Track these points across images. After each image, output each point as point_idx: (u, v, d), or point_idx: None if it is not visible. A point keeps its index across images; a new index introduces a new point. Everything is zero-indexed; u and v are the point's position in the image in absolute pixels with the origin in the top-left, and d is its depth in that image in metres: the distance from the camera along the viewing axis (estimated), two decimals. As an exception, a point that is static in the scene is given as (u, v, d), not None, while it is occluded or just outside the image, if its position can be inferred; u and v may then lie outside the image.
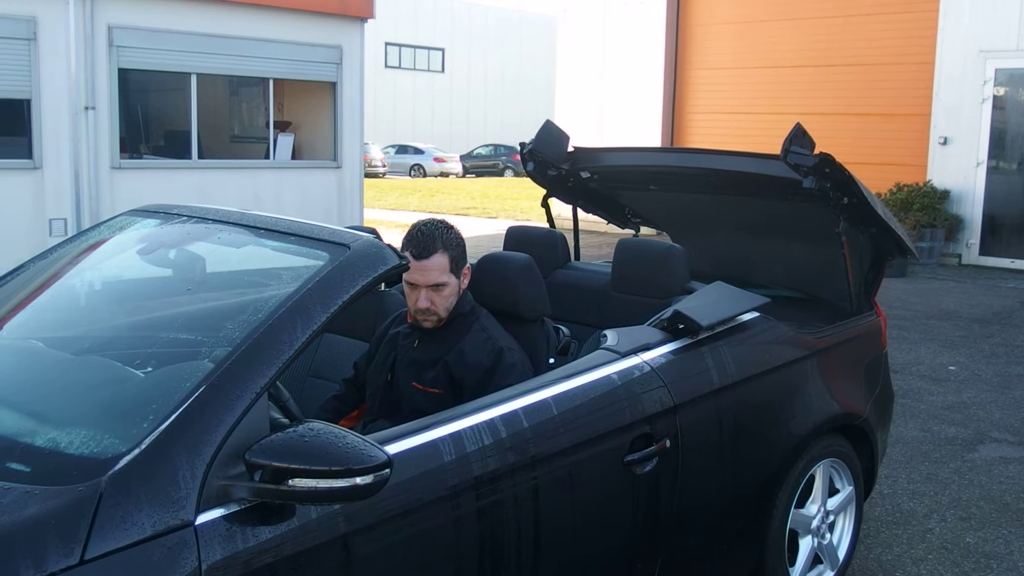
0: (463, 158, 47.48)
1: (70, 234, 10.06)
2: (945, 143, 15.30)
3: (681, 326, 3.61)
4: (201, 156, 12.11)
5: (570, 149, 5.42)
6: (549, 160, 5.31)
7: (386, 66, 53.26)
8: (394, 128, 52.17)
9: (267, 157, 12.86)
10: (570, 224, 5.76)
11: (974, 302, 12.10)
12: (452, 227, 3.60)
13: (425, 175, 44.51)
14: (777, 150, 4.29)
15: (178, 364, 2.76)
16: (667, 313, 3.65)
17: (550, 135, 5.31)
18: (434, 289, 3.46)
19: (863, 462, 4.44)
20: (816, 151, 4.20)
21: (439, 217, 3.75)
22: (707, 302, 3.82)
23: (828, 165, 4.17)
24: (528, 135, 5.65)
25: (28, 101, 10.23)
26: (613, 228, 6.31)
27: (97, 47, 10.56)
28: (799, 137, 4.18)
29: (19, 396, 2.84)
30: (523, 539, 2.95)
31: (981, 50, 14.85)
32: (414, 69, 55.21)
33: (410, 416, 3.43)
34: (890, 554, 4.84)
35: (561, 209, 5.89)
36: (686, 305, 3.71)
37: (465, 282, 3.61)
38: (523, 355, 3.62)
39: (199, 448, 2.30)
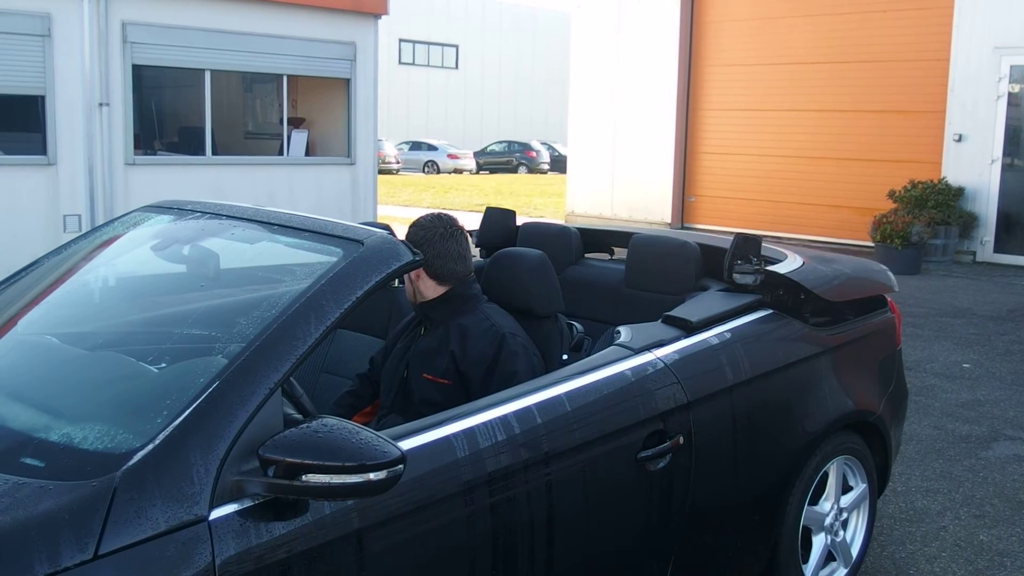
0: (477, 154, 47.51)
1: (84, 230, 10.09)
2: (960, 140, 15.24)
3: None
4: (215, 152, 12.12)
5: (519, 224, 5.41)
6: (498, 244, 5.35)
7: (400, 62, 53.30)
8: (408, 124, 52.20)
9: (281, 153, 12.86)
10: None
11: (989, 300, 12.06)
12: (428, 226, 3.64)
13: (439, 171, 44.55)
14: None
15: (192, 360, 2.76)
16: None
17: (493, 221, 5.31)
18: None
19: (877, 459, 4.43)
20: (760, 262, 3.99)
21: (447, 214, 3.77)
22: (700, 304, 3.86)
23: (773, 280, 4.02)
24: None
25: (42, 97, 10.26)
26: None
27: (111, 43, 10.58)
28: (740, 250, 3.97)
29: (33, 391, 2.85)
30: (536, 535, 2.95)
31: (996, 47, 14.79)
32: (428, 65, 55.25)
33: (421, 407, 3.45)
34: (903, 552, 4.83)
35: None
36: (678, 310, 3.75)
37: (419, 282, 3.64)
38: (528, 341, 3.63)
39: (213, 444, 2.30)
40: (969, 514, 5.29)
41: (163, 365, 2.82)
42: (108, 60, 10.57)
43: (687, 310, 3.75)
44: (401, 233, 3.52)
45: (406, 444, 2.62)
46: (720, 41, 18.33)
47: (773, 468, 3.80)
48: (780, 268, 4.07)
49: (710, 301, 3.93)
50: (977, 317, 10.92)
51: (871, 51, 16.29)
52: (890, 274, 4.79)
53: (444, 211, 3.88)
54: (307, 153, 12.99)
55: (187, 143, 12.71)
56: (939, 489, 5.64)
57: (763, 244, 4.25)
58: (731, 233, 4.26)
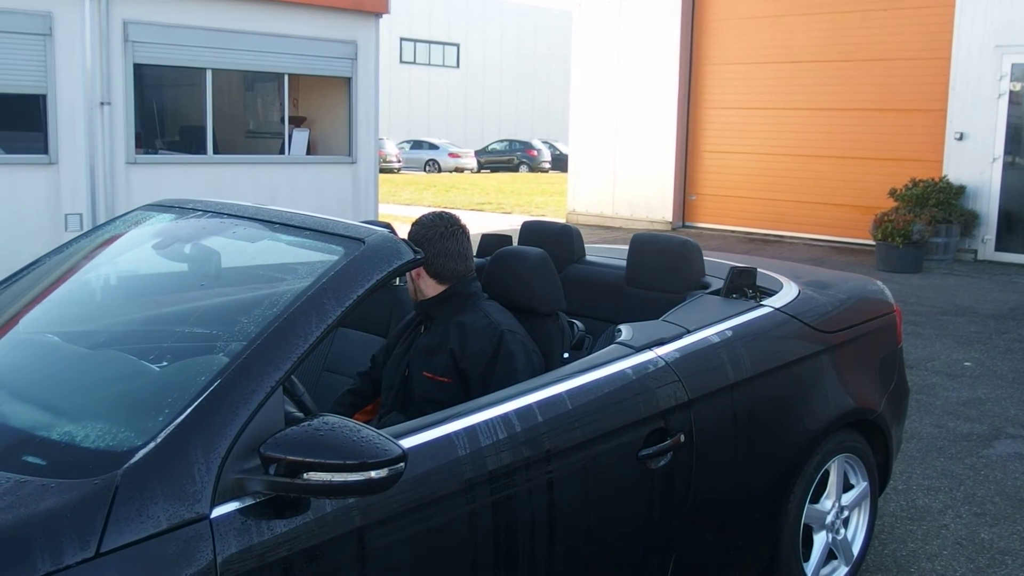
0: (478, 153, 47.49)
1: (86, 229, 10.08)
2: (961, 138, 15.24)
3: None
4: (216, 151, 12.13)
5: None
6: None
7: (401, 61, 53.28)
8: (409, 123, 52.20)
9: (282, 152, 12.87)
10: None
11: (990, 298, 12.05)
12: (430, 225, 3.66)
13: (440, 170, 44.54)
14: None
15: (193, 358, 2.76)
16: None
17: (491, 248, 5.29)
18: None
19: (878, 457, 4.43)
20: (755, 295, 4.12)
21: (449, 212, 3.78)
22: (695, 311, 3.87)
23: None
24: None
25: (44, 96, 10.26)
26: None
27: (112, 43, 10.58)
28: (735, 284, 4.10)
29: (35, 390, 2.85)
30: (537, 533, 2.95)
31: (997, 45, 14.78)
32: (429, 64, 55.24)
33: (421, 405, 3.45)
34: (905, 550, 4.83)
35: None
36: (676, 315, 3.77)
37: (420, 280, 3.66)
38: (527, 339, 3.63)
39: (214, 442, 2.30)
40: (970, 512, 5.30)
41: (164, 363, 2.82)
42: (109, 59, 10.57)
43: (685, 317, 3.76)
44: (403, 232, 3.52)
45: (407, 442, 2.62)
46: (721, 39, 18.32)
47: (774, 466, 3.80)
48: (776, 300, 4.08)
49: (709, 306, 3.94)
50: (978, 315, 10.92)
51: (872, 49, 16.28)
52: (887, 292, 4.80)
53: (446, 210, 3.88)
54: (308, 152, 12.99)
55: (188, 142, 12.71)
56: (940, 487, 5.64)
57: (760, 271, 4.28)
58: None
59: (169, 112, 14.06)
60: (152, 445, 2.27)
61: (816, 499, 4.08)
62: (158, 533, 2.18)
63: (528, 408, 2.98)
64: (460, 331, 3.57)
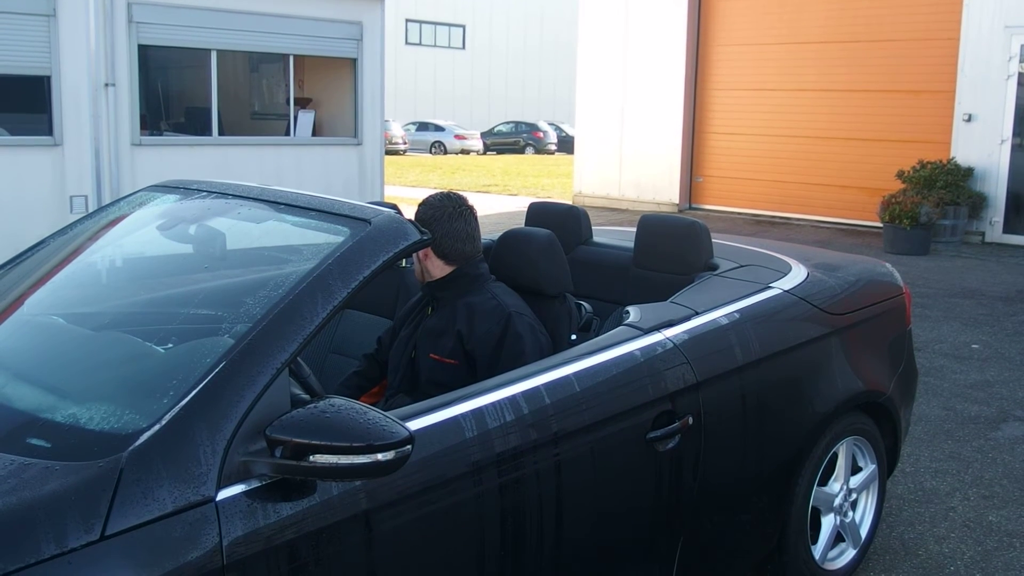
0: (484, 135, 47.39)
1: (91, 211, 10.06)
2: (969, 120, 15.17)
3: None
4: (221, 133, 12.10)
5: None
6: None
7: (407, 43, 53.20)
8: (415, 105, 52.13)
9: (288, 134, 12.84)
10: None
11: (998, 280, 12.01)
12: (437, 206, 3.65)
13: (446, 152, 44.49)
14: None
15: (198, 340, 2.75)
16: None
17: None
18: None
19: (886, 440, 4.41)
20: None
21: (456, 193, 3.76)
22: (703, 292, 3.86)
23: None
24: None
25: (48, 78, 10.23)
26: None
27: (116, 23, 10.55)
28: None
29: (40, 372, 2.84)
30: (545, 516, 2.94)
31: (1007, 26, 14.70)
32: (435, 46, 55.15)
33: (428, 387, 3.44)
34: (912, 532, 4.82)
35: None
36: (685, 297, 3.75)
37: (427, 261, 3.64)
38: (534, 321, 3.62)
39: (220, 424, 2.29)
40: (978, 495, 5.28)
41: (169, 345, 2.81)
42: (114, 40, 10.54)
43: (693, 298, 3.74)
44: (409, 214, 3.50)
45: (414, 424, 2.61)
46: (729, 20, 18.24)
47: (782, 449, 3.79)
48: (785, 282, 4.06)
49: (718, 288, 3.92)
50: (986, 298, 10.89)
51: (881, 30, 16.20)
52: (896, 274, 4.77)
53: (453, 191, 3.86)
54: (314, 133, 12.95)
55: (194, 123, 12.69)
56: (948, 470, 5.63)
57: (768, 253, 4.27)
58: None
59: (174, 93, 14.03)
60: (157, 427, 2.26)
61: (824, 482, 4.07)
62: (163, 516, 2.17)
63: (535, 390, 2.97)
64: (467, 313, 3.56)
